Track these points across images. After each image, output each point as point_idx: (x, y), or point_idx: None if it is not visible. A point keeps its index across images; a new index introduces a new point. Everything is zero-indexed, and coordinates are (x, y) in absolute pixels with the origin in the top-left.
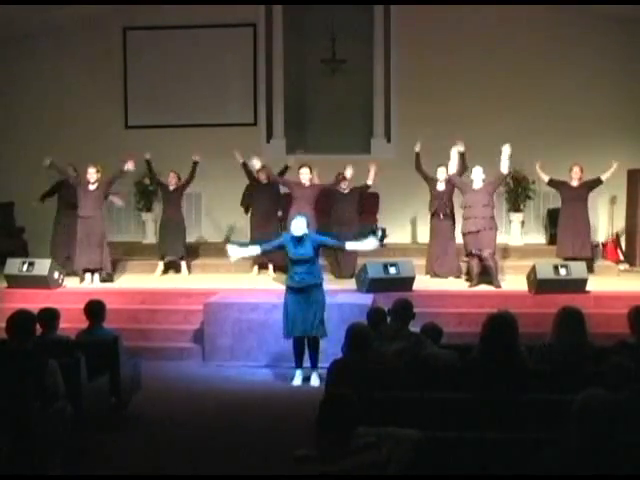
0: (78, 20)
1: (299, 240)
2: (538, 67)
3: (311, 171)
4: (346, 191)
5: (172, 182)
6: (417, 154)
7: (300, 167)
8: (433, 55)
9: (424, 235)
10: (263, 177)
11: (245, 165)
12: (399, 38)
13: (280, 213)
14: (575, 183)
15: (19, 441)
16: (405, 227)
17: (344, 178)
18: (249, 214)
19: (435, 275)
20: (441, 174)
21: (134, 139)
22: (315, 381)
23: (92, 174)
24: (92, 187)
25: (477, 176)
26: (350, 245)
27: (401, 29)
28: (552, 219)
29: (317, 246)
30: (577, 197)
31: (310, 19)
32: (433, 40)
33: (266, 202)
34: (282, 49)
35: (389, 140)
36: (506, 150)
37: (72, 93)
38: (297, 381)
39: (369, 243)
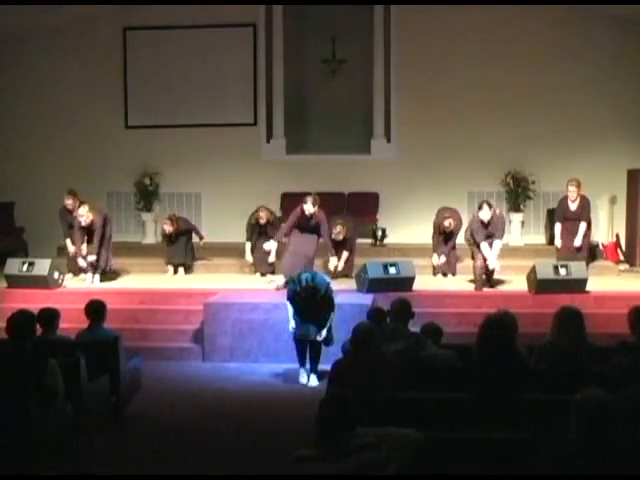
0: (78, 20)
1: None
2: (538, 67)
3: (315, 202)
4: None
5: (166, 227)
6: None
7: (305, 197)
8: (433, 55)
9: (424, 235)
10: (263, 217)
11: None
12: (399, 38)
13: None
14: (572, 205)
15: (19, 441)
16: (405, 227)
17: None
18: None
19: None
20: (447, 226)
21: (134, 139)
22: (314, 381)
23: (82, 215)
24: (86, 225)
25: (485, 216)
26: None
27: (401, 29)
28: (552, 219)
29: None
30: (574, 217)
31: (310, 19)
32: (433, 40)
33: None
34: (282, 49)
35: (389, 140)
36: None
37: (72, 93)
38: (303, 379)
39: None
